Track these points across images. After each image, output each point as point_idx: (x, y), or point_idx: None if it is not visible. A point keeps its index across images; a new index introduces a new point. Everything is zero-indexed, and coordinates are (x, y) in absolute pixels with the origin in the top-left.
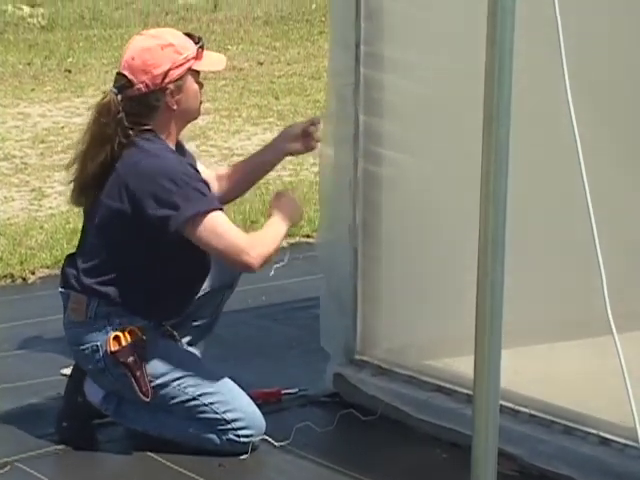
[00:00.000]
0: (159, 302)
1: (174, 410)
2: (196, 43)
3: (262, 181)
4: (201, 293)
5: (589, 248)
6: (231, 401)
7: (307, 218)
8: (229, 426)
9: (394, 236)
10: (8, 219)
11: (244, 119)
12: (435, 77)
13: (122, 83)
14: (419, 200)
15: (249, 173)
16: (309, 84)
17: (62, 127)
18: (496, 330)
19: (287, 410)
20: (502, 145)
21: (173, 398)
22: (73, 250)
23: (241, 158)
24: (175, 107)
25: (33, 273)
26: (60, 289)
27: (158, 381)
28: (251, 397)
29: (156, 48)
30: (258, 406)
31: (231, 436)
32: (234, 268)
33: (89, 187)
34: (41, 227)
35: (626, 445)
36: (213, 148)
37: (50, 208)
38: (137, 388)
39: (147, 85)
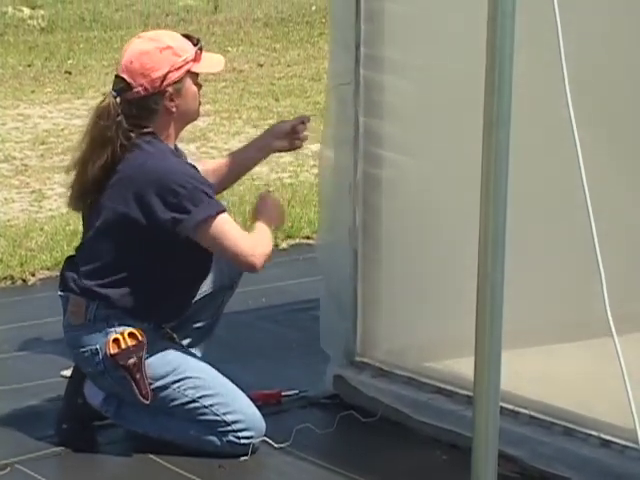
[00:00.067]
0: (159, 304)
1: (174, 412)
2: (195, 45)
3: (262, 182)
4: (201, 295)
5: (589, 249)
6: (231, 403)
7: (307, 219)
8: (229, 428)
9: (394, 238)
10: (8, 221)
11: (244, 121)
12: (435, 79)
13: (121, 86)
14: (419, 202)
15: (235, 169)
16: (309, 86)
17: (62, 129)
18: (496, 331)
19: (287, 412)
20: (502, 147)
21: (173, 400)
22: (73, 252)
23: None
24: (174, 110)
25: (33, 275)
26: (59, 292)
27: (158, 383)
28: (251, 399)
29: (154, 51)
30: (258, 408)
31: (231, 438)
32: (239, 268)
33: (89, 191)
34: (41, 229)
35: (626, 447)
36: (213, 150)
37: (50, 210)
38: (137, 391)
39: (146, 88)
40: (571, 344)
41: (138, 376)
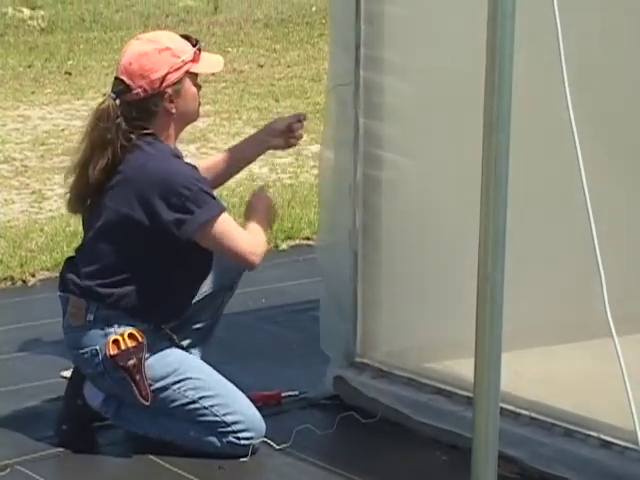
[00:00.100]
0: (160, 304)
1: (174, 413)
2: (193, 45)
3: (262, 183)
4: (201, 296)
5: (589, 250)
6: (231, 404)
7: (307, 220)
8: (229, 429)
9: (394, 239)
10: (8, 222)
11: (244, 121)
12: (435, 80)
13: (120, 88)
14: (419, 203)
15: (231, 166)
16: (309, 86)
17: (62, 130)
18: (496, 332)
19: (287, 413)
20: (502, 147)
21: (173, 401)
22: (73, 253)
23: None
24: (174, 111)
25: (33, 276)
26: (59, 293)
27: (158, 384)
28: (251, 399)
29: (153, 52)
30: (258, 408)
31: (231, 439)
32: (239, 266)
33: (90, 193)
34: (41, 230)
35: (626, 448)
36: (213, 150)
37: (50, 211)
38: (137, 392)
39: (145, 90)
40: (571, 345)
41: (138, 377)
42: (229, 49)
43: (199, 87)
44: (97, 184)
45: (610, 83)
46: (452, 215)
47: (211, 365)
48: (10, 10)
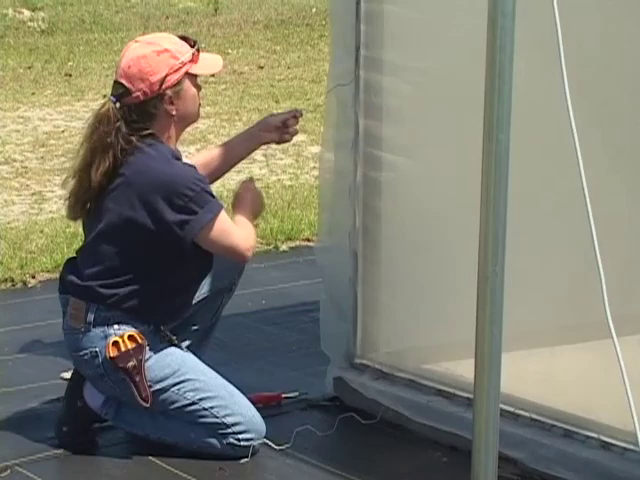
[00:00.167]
0: (160, 305)
1: (174, 415)
2: (192, 46)
3: (262, 184)
4: (200, 297)
5: (589, 251)
6: (231, 405)
7: (307, 222)
8: (229, 430)
9: (394, 240)
10: (8, 223)
11: (244, 123)
12: (435, 81)
13: (120, 92)
14: (419, 204)
15: (225, 162)
16: (309, 88)
17: (62, 131)
18: (496, 333)
19: (287, 414)
20: (502, 148)
21: (173, 403)
22: (73, 254)
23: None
24: (174, 112)
25: (33, 277)
26: (59, 294)
27: (158, 386)
28: (251, 401)
29: (152, 55)
30: (258, 410)
31: (231, 440)
32: (238, 267)
33: (91, 197)
34: (41, 231)
35: (626, 449)
36: None
37: (50, 212)
38: (137, 393)
39: (145, 92)
40: (571, 346)
41: (138, 379)
42: (229, 50)
43: (199, 88)
44: (98, 188)
45: (610, 83)
46: (452, 216)
47: (211, 366)
48: (10, 11)
